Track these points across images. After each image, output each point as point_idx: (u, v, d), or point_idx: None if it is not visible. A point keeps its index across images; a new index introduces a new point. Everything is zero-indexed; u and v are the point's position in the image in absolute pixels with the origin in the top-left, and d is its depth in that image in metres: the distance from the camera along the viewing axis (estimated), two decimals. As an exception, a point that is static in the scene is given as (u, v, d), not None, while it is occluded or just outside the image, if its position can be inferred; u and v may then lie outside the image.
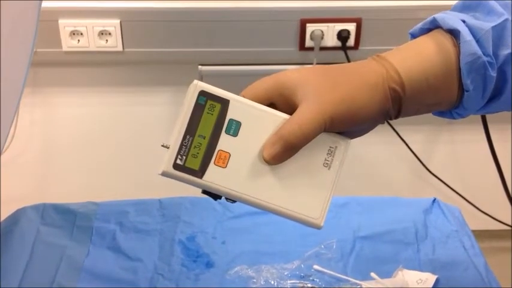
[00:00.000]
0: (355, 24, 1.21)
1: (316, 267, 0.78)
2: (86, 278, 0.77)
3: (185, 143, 0.48)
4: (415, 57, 0.50)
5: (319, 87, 0.48)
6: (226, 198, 0.50)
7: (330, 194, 0.50)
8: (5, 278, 0.76)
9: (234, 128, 0.49)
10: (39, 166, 1.41)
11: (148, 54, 1.25)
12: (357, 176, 1.45)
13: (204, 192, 0.50)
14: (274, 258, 0.79)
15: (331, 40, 1.22)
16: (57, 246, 0.81)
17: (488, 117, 1.29)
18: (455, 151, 1.48)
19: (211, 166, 0.49)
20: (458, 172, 1.48)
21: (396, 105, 0.50)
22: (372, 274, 0.77)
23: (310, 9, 1.20)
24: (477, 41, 0.49)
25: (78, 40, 1.23)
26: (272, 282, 0.76)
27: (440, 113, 0.54)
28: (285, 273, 0.76)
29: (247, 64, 1.26)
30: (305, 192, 0.50)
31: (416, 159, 1.41)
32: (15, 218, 0.85)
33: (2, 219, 0.86)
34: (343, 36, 1.21)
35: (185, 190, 0.93)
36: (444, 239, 0.83)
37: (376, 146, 1.44)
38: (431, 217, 0.87)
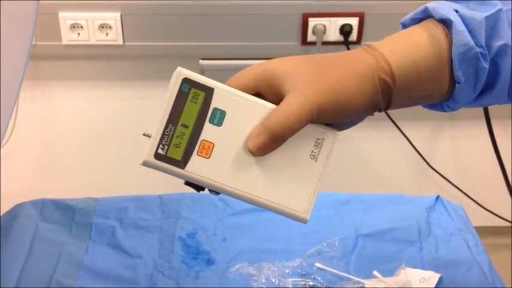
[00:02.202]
0: (357, 18, 1.20)
1: (318, 265, 0.77)
2: (85, 275, 0.76)
3: (167, 132, 0.46)
4: (406, 48, 0.48)
5: (307, 77, 0.46)
6: (210, 190, 0.48)
7: (317, 186, 0.49)
8: (3, 274, 0.75)
9: (219, 118, 0.47)
10: (39, 160, 1.41)
11: (148, 48, 1.24)
12: (359, 173, 1.45)
13: (187, 183, 0.48)
14: (275, 255, 0.78)
15: (334, 35, 1.21)
16: (56, 243, 0.80)
17: (491, 113, 1.28)
18: (457, 147, 1.47)
19: (194, 156, 0.47)
20: (460, 168, 1.47)
21: (386, 96, 0.48)
22: (375, 272, 0.76)
23: (313, 3, 1.19)
24: (470, 32, 0.48)
25: (78, 33, 1.22)
26: (273, 280, 0.75)
27: (431, 106, 0.52)
28: (287, 271, 0.75)
29: (249, 58, 1.25)
30: (291, 185, 0.48)
31: (418, 156, 1.40)
32: (14, 213, 0.84)
33: (1, 214, 0.85)
34: (345, 30, 1.20)
35: (186, 187, 0.92)
36: (447, 237, 0.82)
37: (378, 142, 1.43)
38: (435, 215, 0.86)
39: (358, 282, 0.75)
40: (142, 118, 1.33)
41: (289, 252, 0.79)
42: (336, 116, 0.47)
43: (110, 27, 1.21)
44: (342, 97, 0.46)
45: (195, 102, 0.47)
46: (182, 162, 0.46)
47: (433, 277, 0.76)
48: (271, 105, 0.47)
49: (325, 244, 0.78)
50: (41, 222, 0.83)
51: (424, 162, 1.41)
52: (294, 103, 0.45)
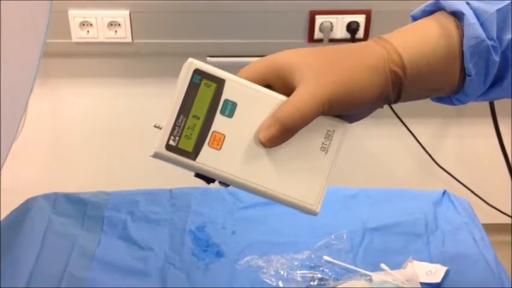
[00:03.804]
0: (364, 16, 1.21)
1: (326, 258, 0.78)
2: (97, 267, 0.77)
3: (178, 123, 0.46)
4: (417, 40, 0.48)
5: (318, 69, 0.46)
6: (220, 182, 0.48)
7: (327, 179, 0.48)
8: (17, 267, 0.76)
9: (230, 109, 0.47)
10: (49, 157, 1.42)
11: (157, 45, 1.25)
12: (365, 169, 1.46)
13: (197, 175, 0.48)
14: (284, 248, 0.79)
15: (340, 32, 1.22)
16: (68, 236, 0.81)
17: (497, 110, 1.29)
18: (463, 144, 1.48)
19: (205, 148, 0.46)
20: (465, 165, 1.47)
21: (396, 88, 0.48)
22: (382, 265, 0.77)
23: (319, 0, 1.20)
24: (481, 24, 0.47)
25: (88, 31, 1.23)
26: (282, 273, 0.76)
27: (440, 99, 0.53)
28: (295, 264, 0.77)
29: (256, 56, 1.25)
30: (301, 177, 0.48)
31: (424, 153, 1.41)
32: (27, 207, 0.85)
33: (13, 208, 0.87)
34: (352, 28, 1.21)
35: (196, 181, 0.93)
36: (454, 231, 0.83)
37: (384, 139, 1.44)
38: (442, 209, 0.87)
39: (366, 275, 0.76)
40: (151, 115, 1.34)
41: (297, 245, 0.80)
42: (347, 108, 0.47)
43: (119, 24, 1.23)
44: (353, 88, 0.46)
45: (206, 94, 0.46)
46: (193, 154, 0.46)
47: (440, 270, 0.77)
48: (282, 97, 0.47)
49: (333, 237, 0.79)
50: (53, 216, 0.84)
51: (430, 159, 1.42)
52: (305, 95, 0.45)
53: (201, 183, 0.85)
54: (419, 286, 0.75)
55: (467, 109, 1.40)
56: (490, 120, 1.30)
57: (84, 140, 1.40)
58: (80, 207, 0.86)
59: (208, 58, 1.25)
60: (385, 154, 1.47)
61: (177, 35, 1.24)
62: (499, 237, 1.47)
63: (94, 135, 1.40)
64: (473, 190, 1.43)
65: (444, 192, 0.89)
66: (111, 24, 1.23)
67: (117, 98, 1.37)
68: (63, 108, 1.38)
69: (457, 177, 1.43)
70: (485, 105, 1.30)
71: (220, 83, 0.47)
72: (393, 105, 1.30)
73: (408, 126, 1.36)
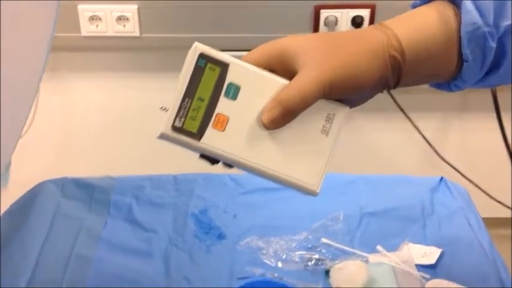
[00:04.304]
0: (369, 10, 1.22)
1: (323, 240, 0.81)
2: (103, 247, 0.80)
3: (184, 105, 0.47)
4: (417, 26, 0.50)
5: (319, 54, 0.48)
6: (224, 163, 0.50)
7: (328, 160, 0.50)
8: (26, 248, 0.79)
9: (233, 92, 0.48)
10: (58, 148, 1.45)
11: (165, 39, 1.28)
12: (369, 162, 1.47)
13: (202, 156, 0.49)
14: (283, 231, 0.82)
15: (345, 26, 1.23)
16: (76, 218, 0.85)
17: (501, 105, 1.30)
18: (467, 139, 1.49)
19: (210, 129, 0.48)
20: (469, 159, 1.48)
21: (396, 73, 0.50)
22: (378, 247, 0.79)
23: (325, -5, 1.22)
24: (478, 11, 0.49)
25: (97, 25, 1.26)
26: (281, 254, 0.78)
27: (438, 85, 0.54)
28: (293, 245, 0.79)
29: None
30: (302, 159, 0.49)
31: (428, 146, 1.42)
32: (36, 191, 0.88)
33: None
34: (357, 22, 1.22)
35: (199, 168, 0.96)
36: (450, 215, 0.85)
37: (387, 133, 1.46)
38: (438, 195, 0.89)
39: (362, 256, 0.78)
40: (158, 109, 1.37)
41: (296, 229, 0.82)
42: (347, 92, 0.48)
43: (127, 19, 1.25)
44: (353, 73, 0.48)
45: (211, 77, 0.48)
46: (198, 135, 0.48)
47: (435, 252, 0.79)
48: (285, 81, 0.48)
49: (330, 218, 0.81)
50: (62, 199, 0.88)
51: (434, 153, 1.43)
52: (307, 78, 0.47)
53: (204, 169, 0.88)
54: (414, 267, 0.77)
55: (471, 103, 1.42)
56: (493, 114, 1.31)
57: (92, 132, 1.43)
58: (87, 191, 0.89)
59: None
60: (389, 147, 1.49)
61: (184, 30, 1.26)
62: (500, 232, 1.48)
63: (102, 128, 1.42)
64: (476, 183, 1.44)
65: (441, 179, 0.91)
66: (119, 18, 1.25)
67: (125, 92, 1.39)
68: (72, 102, 1.41)
69: (460, 170, 1.45)
70: (489, 99, 1.32)
71: (224, 66, 0.48)
72: (398, 99, 1.32)
73: (413, 120, 1.37)
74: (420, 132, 1.41)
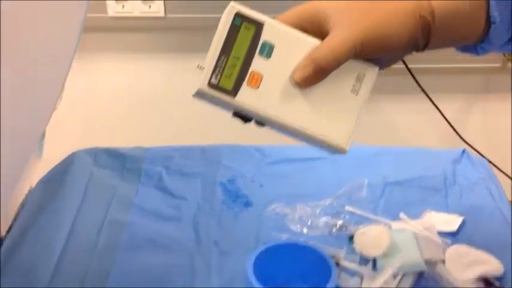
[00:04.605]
0: None
1: (347, 208, 0.83)
2: (135, 212, 0.83)
3: (220, 63, 0.49)
4: None
5: (350, 14, 0.49)
6: (256, 122, 0.51)
7: (356, 119, 0.51)
8: (60, 215, 0.82)
9: (267, 50, 0.50)
10: (85, 127, 1.49)
11: (189, 20, 1.30)
12: (389, 143, 1.48)
13: (235, 114, 0.51)
14: (308, 199, 0.84)
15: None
16: (108, 186, 0.88)
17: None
18: (488, 120, 1.49)
19: (244, 87, 0.49)
20: (490, 141, 1.49)
21: (425, 34, 0.51)
22: (401, 214, 0.81)
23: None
24: None
25: (123, 6, 1.29)
26: (306, 220, 0.81)
27: (465, 49, 0.56)
28: (318, 211, 0.81)
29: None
30: (332, 117, 0.51)
31: (449, 128, 1.43)
32: (69, 160, 0.92)
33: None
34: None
35: (225, 140, 0.98)
36: (472, 185, 0.87)
37: (409, 114, 1.47)
38: (460, 166, 0.90)
39: (385, 223, 0.80)
40: (184, 89, 1.39)
41: (321, 196, 0.84)
42: (378, 52, 0.50)
43: (153, -1, 1.28)
44: (384, 33, 0.49)
45: (246, 36, 0.49)
46: (233, 92, 0.49)
47: (456, 220, 0.81)
48: (317, 41, 0.50)
49: (354, 184, 0.84)
50: (94, 168, 0.91)
51: (455, 135, 1.44)
52: (339, 38, 0.49)
53: (230, 141, 0.90)
54: (436, 234, 0.79)
55: (492, 85, 1.43)
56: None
57: (117, 112, 1.45)
58: (119, 161, 0.92)
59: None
60: (409, 128, 1.50)
61: (208, 10, 1.29)
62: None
63: (127, 108, 1.45)
64: (497, 165, 1.45)
65: (463, 151, 0.93)
66: (145, -2, 1.28)
67: (150, 72, 1.42)
68: (96, 82, 1.44)
69: (480, 151, 1.45)
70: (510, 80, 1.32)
71: (259, 25, 0.50)
72: (420, 81, 1.33)
73: (434, 101, 1.38)
74: (441, 113, 1.41)
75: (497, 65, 1.35)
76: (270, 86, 0.50)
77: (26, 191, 0.88)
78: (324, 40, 0.50)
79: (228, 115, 0.53)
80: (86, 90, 1.44)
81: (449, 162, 0.91)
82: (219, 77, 0.49)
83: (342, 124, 0.51)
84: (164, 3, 1.28)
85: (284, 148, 0.95)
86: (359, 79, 0.51)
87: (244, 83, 0.50)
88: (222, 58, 0.49)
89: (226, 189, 0.88)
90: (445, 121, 1.42)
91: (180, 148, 0.95)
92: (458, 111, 1.47)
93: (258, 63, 0.50)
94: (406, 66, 1.20)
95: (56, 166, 0.91)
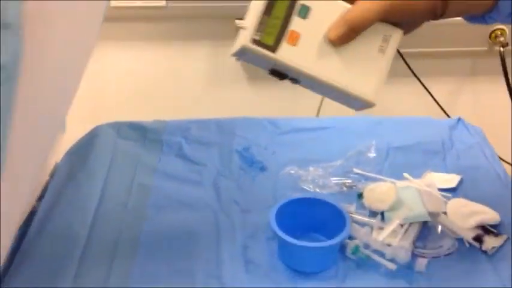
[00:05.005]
0: None
1: (356, 170, 0.90)
2: (159, 176, 0.90)
3: (262, 22, 0.55)
4: None
5: None
6: (291, 79, 0.58)
7: (384, 75, 0.58)
8: (91, 178, 0.89)
9: (305, 12, 0.56)
10: (91, 117, 1.53)
11: (190, 8, 1.35)
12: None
13: (272, 72, 0.58)
14: (319, 163, 0.91)
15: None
16: (133, 155, 0.94)
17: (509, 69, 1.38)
18: (478, 103, 1.57)
19: (284, 44, 0.55)
20: (480, 123, 1.56)
21: (444, 3, 0.57)
22: (405, 174, 0.88)
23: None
24: None
25: (125, -6, 1.33)
26: (318, 180, 0.88)
27: (473, 19, 0.62)
28: (329, 171, 0.89)
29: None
30: (362, 73, 0.57)
31: (440, 111, 1.50)
32: (94, 133, 0.98)
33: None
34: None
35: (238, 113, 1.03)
36: (468, 149, 0.94)
37: (399, 96, 1.54)
38: (456, 132, 0.99)
39: (391, 182, 0.87)
40: (185, 77, 1.43)
41: (330, 160, 0.92)
42: (402, 15, 0.57)
43: (154, -12, 1.32)
44: None
45: None
46: (273, 48, 0.55)
47: (455, 178, 0.89)
48: (348, 5, 0.57)
49: (363, 145, 0.91)
50: (118, 139, 0.97)
51: (446, 117, 1.51)
52: (369, 2, 0.56)
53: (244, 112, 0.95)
54: (437, 190, 0.86)
55: (480, 67, 1.50)
56: (502, 78, 1.39)
57: (121, 101, 1.49)
58: (141, 133, 0.99)
59: (237, 21, 1.35)
60: (402, 111, 1.56)
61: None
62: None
63: (131, 97, 1.49)
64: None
65: (459, 119, 1.01)
66: (147, -13, 1.32)
67: (151, 60, 1.45)
68: (101, 70, 1.48)
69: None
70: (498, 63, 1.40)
71: None
72: (411, 65, 1.39)
73: (425, 84, 1.46)
74: (431, 95, 1.49)
75: (485, 48, 1.43)
76: (307, 44, 0.56)
77: (53, 162, 0.95)
78: (355, 3, 0.57)
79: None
80: (89, 78, 1.48)
81: (446, 128, 0.99)
82: (261, 33, 0.55)
83: (371, 80, 0.58)
84: (165, -8, 1.32)
85: (294, 119, 1.02)
86: (386, 40, 0.58)
87: (284, 40, 0.56)
88: (264, 17, 0.55)
89: (242, 156, 0.94)
90: (436, 103, 1.50)
91: (196, 121, 1.02)
92: (448, 93, 1.54)
93: (296, 23, 0.56)
94: (398, 50, 1.27)
95: (81, 139, 0.97)
